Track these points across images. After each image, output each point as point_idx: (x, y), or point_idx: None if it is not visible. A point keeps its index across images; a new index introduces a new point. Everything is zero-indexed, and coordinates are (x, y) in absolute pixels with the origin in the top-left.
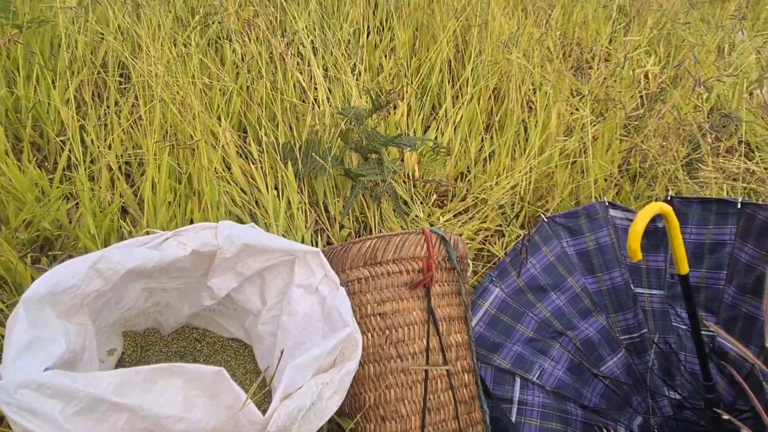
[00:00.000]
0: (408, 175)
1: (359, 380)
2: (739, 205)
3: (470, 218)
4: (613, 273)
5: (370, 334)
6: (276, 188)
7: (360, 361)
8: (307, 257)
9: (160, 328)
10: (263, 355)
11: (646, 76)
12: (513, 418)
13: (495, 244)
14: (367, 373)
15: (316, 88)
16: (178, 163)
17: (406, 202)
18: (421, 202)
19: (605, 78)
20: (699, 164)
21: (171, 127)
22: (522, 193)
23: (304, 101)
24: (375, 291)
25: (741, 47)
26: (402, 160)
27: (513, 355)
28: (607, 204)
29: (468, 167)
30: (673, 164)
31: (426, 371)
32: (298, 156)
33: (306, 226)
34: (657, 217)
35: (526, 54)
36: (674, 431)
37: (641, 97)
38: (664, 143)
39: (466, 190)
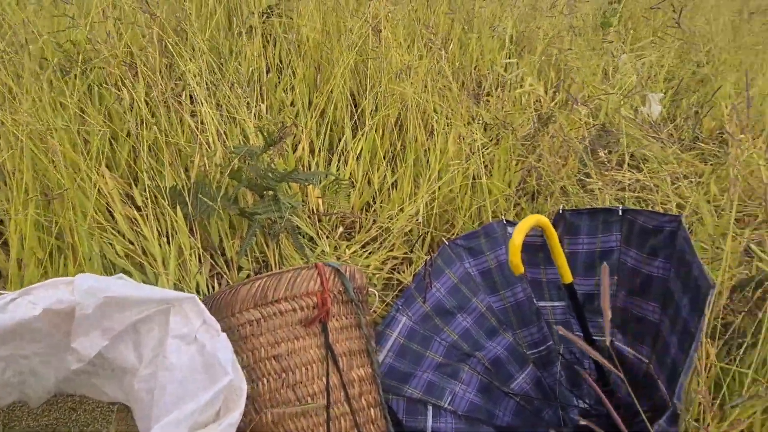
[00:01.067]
0: (312, 210)
1: (257, 428)
2: (620, 213)
3: (377, 248)
4: (515, 289)
5: (265, 380)
6: (167, 235)
7: (256, 409)
8: (183, 305)
9: (27, 399)
10: (142, 416)
11: (538, 100)
12: None
13: (404, 272)
14: (264, 421)
15: (206, 130)
16: (49, 216)
17: (312, 239)
18: (327, 237)
19: (501, 103)
20: (590, 178)
21: (43, 177)
22: (426, 219)
23: (196, 144)
24: (268, 333)
25: (623, 69)
26: (306, 196)
27: (424, 384)
28: (504, 222)
29: (373, 198)
30: (568, 180)
31: (327, 412)
32: (187, 199)
33: (200, 272)
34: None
35: (423, 84)
36: None
37: (536, 118)
38: (557, 161)
39: (373, 221)
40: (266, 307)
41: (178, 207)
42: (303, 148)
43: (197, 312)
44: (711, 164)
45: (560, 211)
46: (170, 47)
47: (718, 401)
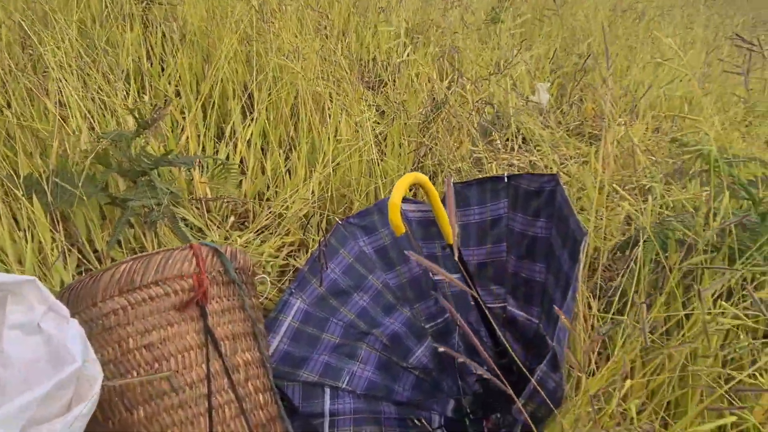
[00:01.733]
0: (199, 199)
1: (128, 427)
2: (506, 179)
3: (271, 235)
4: (411, 264)
5: (135, 372)
6: (25, 229)
7: (126, 406)
8: (22, 290)
9: None
10: None
11: (433, 87)
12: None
13: (299, 258)
14: (136, 417)
15: (70, 114)
16: None
17: (201, 230)
18: (218, 227)
19: (397, 90)
20: (484, 159)
21: None
22: (323, 203)
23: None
24: (137, 321)
25: (514, 61)
26: (193, 185)
27: (320, 366)
28: None
29: (267, 186)
30: (463, 161)
31: (209, 400)
32: (46, 188)
33: (65, 267)
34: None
35: (316, 70)
36: (485, 406)
37: (432, 102)
38: (450, 142)
39: (267, 208)
40: (133, 293)
41: (34, 197)
42: (188, 137)
43: (40, 297)
44: (594, 145)
45: (451, 183)
46: (29, 31)
47: (604, 352)
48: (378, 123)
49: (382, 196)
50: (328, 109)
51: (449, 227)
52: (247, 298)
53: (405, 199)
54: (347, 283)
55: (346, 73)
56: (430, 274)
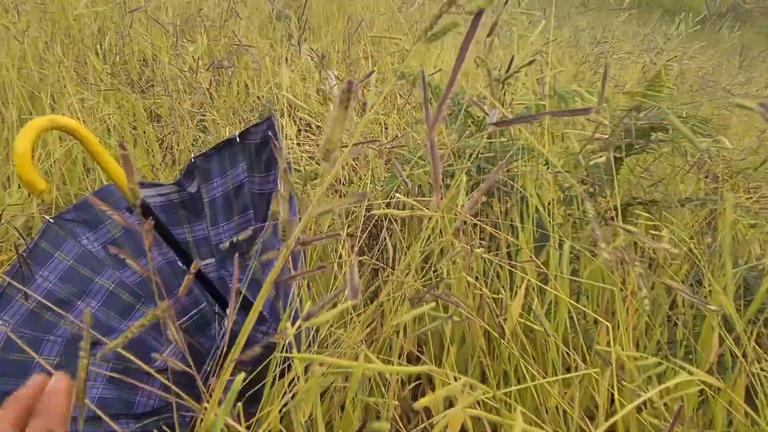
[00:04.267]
0: None
1: None
2: (238, 139)
3: None
4: (153, 254)
5: None
6: None
7: None
8: None
9: None
10: None
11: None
12: None
13: None
14: None
15: None
16: None
17: None
18: None
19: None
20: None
21: None
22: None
23: None
24: None
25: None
26: None
27: None
28: None
29: None
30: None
31: None
32: None
33: None
34: (188, 183)
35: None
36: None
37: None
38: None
39: None
40: None
41: None
42: None
43: None
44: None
45: (192, 161)
46: None
47: None
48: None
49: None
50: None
51: (119, 175)
52: None
53: (142, 183)
54: (67, 290)
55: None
56: (179, 263)
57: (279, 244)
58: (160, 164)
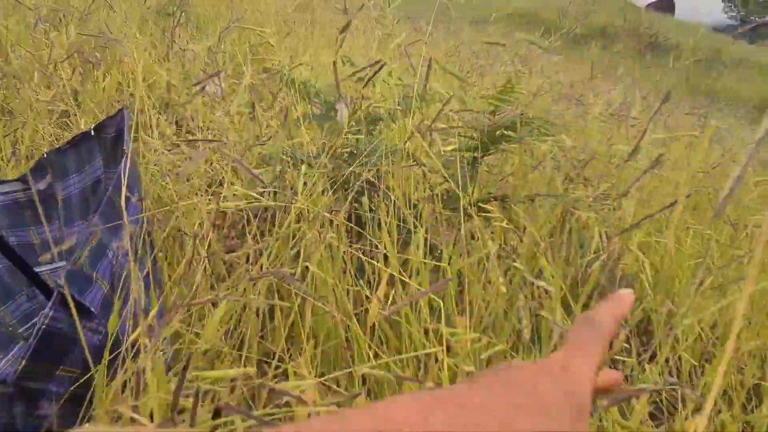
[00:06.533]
0: None
1: None
2: (93, 132)
3: None
4: None
5: None
6: None
7: None
8: None
9: None
10: None
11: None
12: None
13: None
14: None
15: None
16: None
17: None
18: None
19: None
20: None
21: None
22: None
23: None
24: None
25: (189, 54)
26: None
27: None
28: None
29: None
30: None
31: None
32: None
33: None
34: (38, 179)
35: None
36: None
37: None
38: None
39: None
40: None
41: None
42: None
43: None
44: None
45: (44, 155)
46: None
47: None
48: None
49: None
50: None
51: None
52: None
53: None
54: None
55: None
56: (24, 268)
57: (113, 238)
58: (9, 159)
